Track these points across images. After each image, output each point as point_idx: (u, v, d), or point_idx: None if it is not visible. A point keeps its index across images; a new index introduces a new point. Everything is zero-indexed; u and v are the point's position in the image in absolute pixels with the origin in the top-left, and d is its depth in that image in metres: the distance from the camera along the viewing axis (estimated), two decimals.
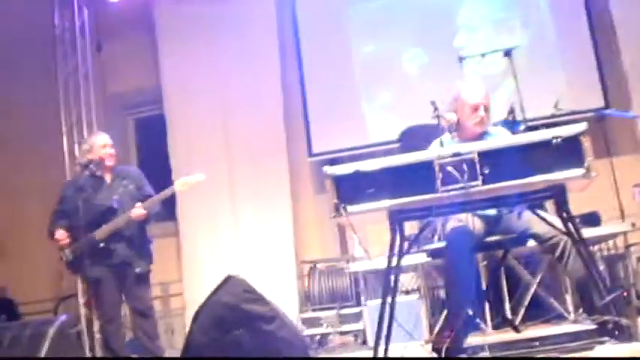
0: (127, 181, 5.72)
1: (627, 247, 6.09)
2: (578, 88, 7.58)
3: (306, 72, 8.29)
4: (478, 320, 5.12)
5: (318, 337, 6.72)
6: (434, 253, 4.31)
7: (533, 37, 7.90)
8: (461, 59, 6.67)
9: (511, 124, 5.86)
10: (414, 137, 6.18)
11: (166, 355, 5.88)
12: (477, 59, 6.83)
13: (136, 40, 8.87)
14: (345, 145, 7.92)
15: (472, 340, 3.66)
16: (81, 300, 7.91)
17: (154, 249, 5.80)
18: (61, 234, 5.51)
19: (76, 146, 8.30)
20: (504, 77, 6.77)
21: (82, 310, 7.83)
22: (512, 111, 6.05)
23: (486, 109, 4.44)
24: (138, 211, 5.45)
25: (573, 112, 6.41)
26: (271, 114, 8.10)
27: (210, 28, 8.35)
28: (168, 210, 7.12)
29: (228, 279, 3.98)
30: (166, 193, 5.56)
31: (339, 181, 3.66)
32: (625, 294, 3.51)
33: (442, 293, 6.22)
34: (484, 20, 8.07)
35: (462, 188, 3.47)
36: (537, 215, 3.83)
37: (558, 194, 3.54)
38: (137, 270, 5.52)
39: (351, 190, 3.63)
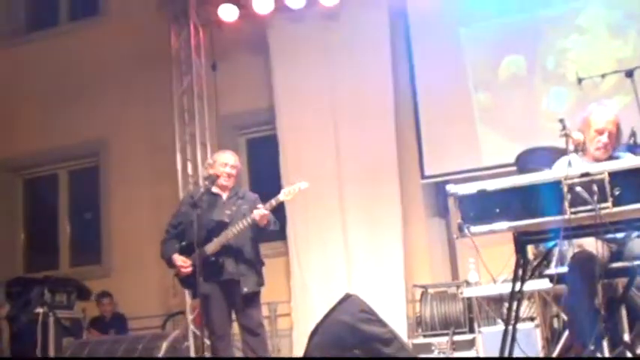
0: (241, 202, 5.76)
1: None
2: None
3: (419, 92, 8.22)
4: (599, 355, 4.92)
5: None
6: (556, 279, 4.16)
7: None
8: (580, 80, 6.49)
9: (633, 149, 5.66)
10: (531, 161, 6.03)
11: None
12: (595, 80, 6.65)
13: (249, 60, 9.04)
14: (459, 168, 7.78)
15: None
16: (189, 316, 8.01)
17: (264, 269, 5.82)
18: (182, 260, 5.57)
19: (189, 163, 8.48)
20: (621, 96, 6.56)
21: (190, 327, 7.93)
22: (633, 134, 5.84)
23: (611, 136, 4.34)
24: (261, 211, 5.47)
25: None
26: (383, 134, 8.08)
27: (322, 49, 8.43)
28: (279, 229, 7.16)
29: (346, 297, 3.95)
30: (272, 203, 5.53)
31: (462, 200, 3.58)
32: None
33: (555, 322, 6.04)
34: (600, 27, 7.85)
35: (592, 210, 3.33)
36: None
37: None
38: (245, 290, 5.53)
39: (475, 210, 3.54)
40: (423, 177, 8.04)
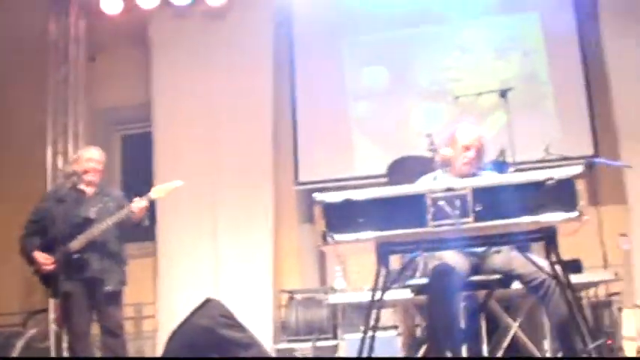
0: (107, 199, 5.64)
1: (609, 295, 6.07)
2: (570, 135, 7.64)
3: (298, 98, 8.27)
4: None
5: None
6: (417, 290, 4.26)
7: (529, 79, 7.95)
8: (456, 98, 6.69)
9: (500, 166, 5.86)
10: (403, 171, 6.14)
11: None
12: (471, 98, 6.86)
13: (129, 54, 8.80)
14: (333, 176, 7.87)
15: None
16: (51, 315, 7.77)
17: (130, 269, 5.71)
18: (44, 257, 5.39)
19: (60, 157, 8.24)
20: (496, 115, 6.78)
21: (52, 325, 7.69)
22: (502, 152, 6.04)
23: (477, 152, 4.48)
24: (141, 203, 5.37)
25: (563, 158, 6.39)
26: (260, 139, 8.06)
27: (204, 48, 8.33)
28: (148, 229, 7.03)
29: (206, 302, 3.90)
30: (143, 200, 5.44)
31: (328, 209, 3.58)
32: (609, 342, 3.47)
33: (419, 331, 6.16)
34: (482, 49, 8.12)
35: (453, 224, 3.41)
36: (525, 257, 3.80)
37: (549, 237, 3.50)
38: (108, 288, 5.42)
39: (340, 218, 3.55)
40: (297, 183, 8.08)
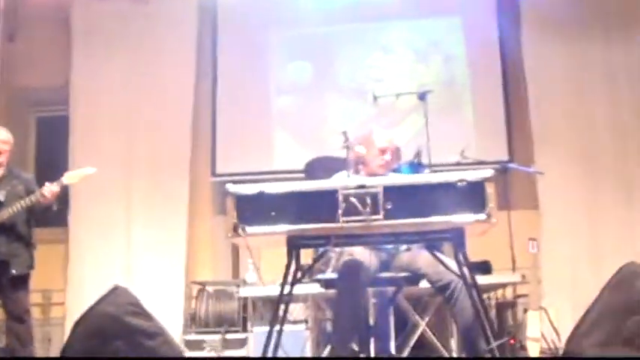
0: (16, 182, 5.53)
1: (516, 297, 6.21)
2: (486, 140, 7.80)
3: (220, 89, 8.22)
4: (363, 356, 5.10)
5: None
6: (326, 284, 4.29)
7: (448, 83, 8.09)
8: (375, 98, 6.73)
9: (416, 167, 5.94)
10: (320, 169, 6.17)
11: None
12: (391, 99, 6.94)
13: (50, 36, 8.57)
14: (251, 169, 7.85)
15: None
16: None
17: (41, 255, 5.60)
18: None
19: None
20: (414, 117, 6.86)
21: None
22: (418, 154, 6.12)
23: (392, 155, 4.58)
24: (53, 187, 5.25)
25: (478, 162, 6.51)
26: (179, 128, 7.97)
27: (127, 33, 8.18)
28: (61, 215, 6.90)
29: (114, 289, 3.83)
30: (54, 185, 5.34)
31: (241, 200, 3.58)
32: (512, 341, 3.55)
33: (329, 326, 6.19)
34: (404, 51, 8.22)
35: (363, 221, 3.45)
36: (434, 255, 3.86)
37: (457, 237, 3.56)
38: (14, 272, 5.33)
39: (252, 211, 3.55)
40: (214, 175, 8.02)
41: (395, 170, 5.72)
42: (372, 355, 5.41)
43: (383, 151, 4.53)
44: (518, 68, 8.00)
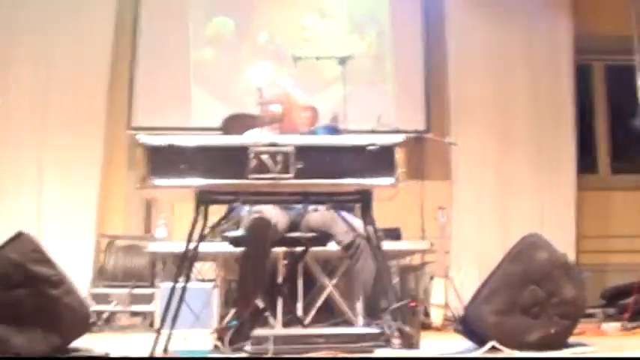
0: None
1: (423, 264, 6.34)
2: (404, 109, 7.90)
3: (140, 42, 8.02)
4: (268, 314, 5.15)
5: (106, 315, 6.52)
6: (234, 242, 4.29)
7: (371, 50, 8.13)
8: (295, 59, 6.72)
9: (332, 131, 5.97)
10: (236, 126, 6.12)
11: None
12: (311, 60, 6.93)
13: None
14: (168, 125, 7.75)
15: (258, 331, 3.64)
16: None
17: None
18: None
19: None
20: (335, 83, 6.87)
21: None
22: (335, 118, 6.15)
23: (312, 113, 4.59)
24: None
25: (395, 131, 6.55)
26: (95, 81, 7.77)
27: None
28: None
29: (18, 235, 3.76)
30: None
31: (152, 151, 3.54)
32: (412, 304, 3.63)
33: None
34: (342, 17, 8.24)
35: (273, 179, 3.46)
36: (340, 216, 3.91)
37: (365, 199, 3.61)
38: None
39: (162, 163, 3.52)
40: (130, 128, 7.90)
41: (311, 132, 5.76)
42: (279, 312, 5.48)
43: (305, 109, 4.61)
44: (441, 42, 8.10)
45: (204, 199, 3.61)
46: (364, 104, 7.27)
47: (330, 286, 5.69)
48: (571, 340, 3.87)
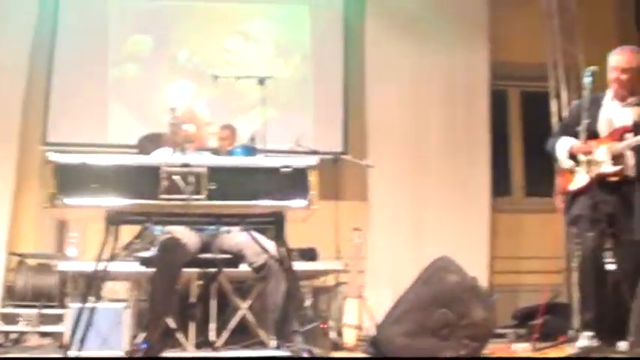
0: None
1: (336, 285, 6.36)
2: (323, 131, 7.95)
3: (57, 58, 7.89)
4: (180, 336, 5.10)
5: (14, 335, 6.35)
6: (144, 262, 4.24)
7: (293, 72, 8.19)
8: (214, 78, 6.71)
9: (249, 151, 5.97)
10: (152, 145, 6.05)
11: None
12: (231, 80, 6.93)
13: None
14: (84, 141, 7.62)
15: (170, 354, 3.61)
16: None
17: None
18: None
19: None
20: (258, 106, 6.85)
21: None
22: (253, 138, 6.15)
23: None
24: None
25: (313, 152, 6.58)
26: (10, 94, 7.60)
27: None
28: None
29: None
30: None
31: (61, 169, 3.47)
32: (323, 325, 3.64)
33: None
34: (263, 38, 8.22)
35: (185, 200, 3.43)
36: (253, 238, 3.90)
37: (277, 221, 3.61)
38: None
39: (72, 181, 3.44)
40: (44, 144, 7.74)
41: (229, 152, 5.76)
42: (192, 334, 5.43)
43: (222, 128, 4.61)
44: (361, 66, 8.20)
45: (114, 219, 3.55)
46: (285, 126, 7.34)
47: (243, 308, 5.66)
48: None
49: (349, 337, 5.65)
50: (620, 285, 4.63)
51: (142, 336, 5.20)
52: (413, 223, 7.94)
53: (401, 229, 7.89)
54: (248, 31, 8.25)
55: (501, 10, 8.43)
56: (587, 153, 4.72)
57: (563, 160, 4.94)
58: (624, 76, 4.82)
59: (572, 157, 4.87)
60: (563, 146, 4.93)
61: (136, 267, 4.68)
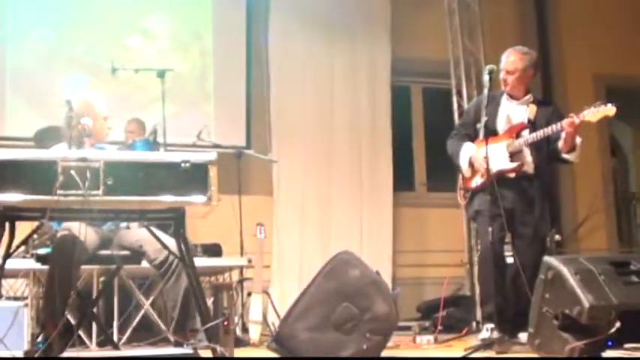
0: None
1: (240, 280, 6.34)
2: (225, 125, 7.84)
3: None
4: (81, 334, 5.01)
5: None
6: (40, 259, 4.15)
7: (192, 66, 8.07)
8: (114, 70, 6.60)
9: (150, 145, 5.87)
10: (50, 139, 5.91)
11: None
12: (130, 72, 6.82)
13: None
14: None
15: (70, 353, 3.53)
16: None
17: None
18: None
19: None
20: (158, 100, 6.74)
21: None
22: (154, 132, 6.06)
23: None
24: None
25: (215, 146, 6.53)
26: None
27: None
28: None
29: None
30: None
31: None
32: (225, 323, 3.61)
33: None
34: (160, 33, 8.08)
35: (81, 195, 3.35)
36: (151, 232, 3.85)
37: (177, 217, 3.57)
38: None
39: None
40: None
41: (129, 146, 5.67)
42: (93, 332, 5.33)
43: (105, 119, 4.55)
44: (264, 60, 8.17)
45: (9, 216, 3.46)
46: (186, 120, 7.25)
47: (146, 305, 5.60)
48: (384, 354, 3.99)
49: (254, 333, 5.64)
50: (520, 278, 4.76)
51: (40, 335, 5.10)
52: (318, 217, 7.97)
53: (306, 223, 7.91)
54: (146, 27, 8.08)
55: (404, 6, 8.52)
56: (484, 167, 4.87)
57: (464, 169, 5.20)
58: (510, 77, 5.03)
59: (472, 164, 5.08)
60: (464, 154, 5.21)
61: (33, 264, 4.58)
